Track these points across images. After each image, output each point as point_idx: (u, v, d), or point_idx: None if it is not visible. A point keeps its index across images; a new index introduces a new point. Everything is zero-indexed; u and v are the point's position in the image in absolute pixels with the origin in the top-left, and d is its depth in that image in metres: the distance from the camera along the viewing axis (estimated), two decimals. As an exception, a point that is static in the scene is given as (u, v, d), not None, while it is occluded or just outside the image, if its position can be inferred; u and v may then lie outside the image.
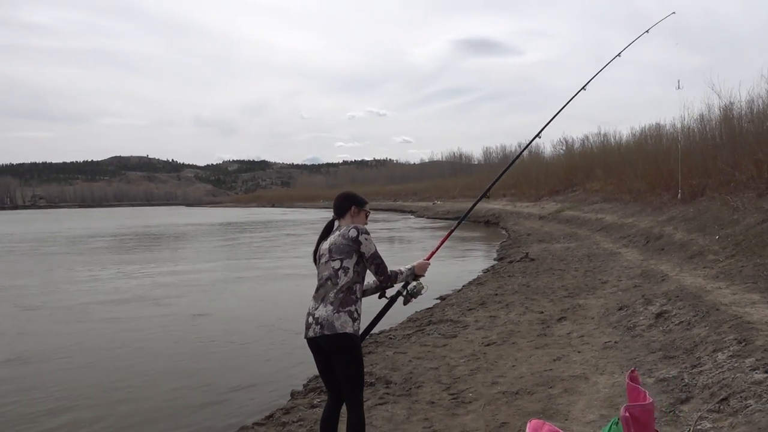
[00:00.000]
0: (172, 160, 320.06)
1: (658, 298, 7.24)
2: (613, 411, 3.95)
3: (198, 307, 10.60)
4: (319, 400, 5.23)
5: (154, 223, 50.65)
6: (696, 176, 15.34)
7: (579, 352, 5.90)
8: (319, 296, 3.31)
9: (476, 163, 79.62)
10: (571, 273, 11.02)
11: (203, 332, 8.84)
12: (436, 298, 10.11)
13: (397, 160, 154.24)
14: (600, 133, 41.41)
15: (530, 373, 5.36)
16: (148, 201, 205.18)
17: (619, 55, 6.28)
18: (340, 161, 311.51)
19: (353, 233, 3.30)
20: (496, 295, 9.68)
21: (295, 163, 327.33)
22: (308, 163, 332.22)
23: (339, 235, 3.34)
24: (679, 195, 14.68)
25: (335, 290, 3.25)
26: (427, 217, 42.62)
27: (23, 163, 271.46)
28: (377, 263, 3.35)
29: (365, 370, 4.37)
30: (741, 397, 3.70)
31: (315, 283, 3.38)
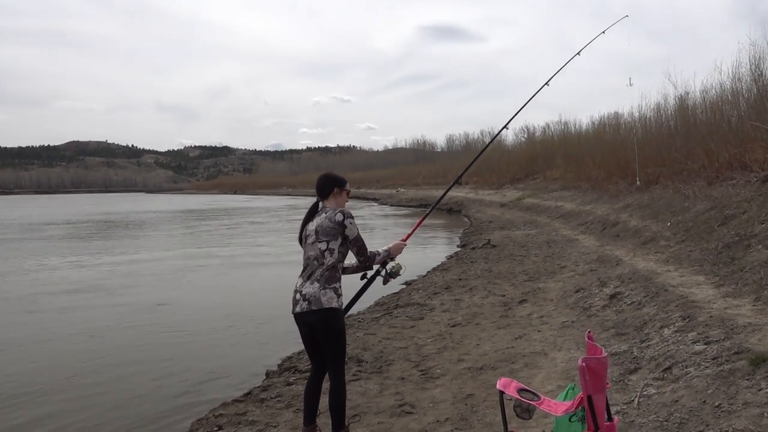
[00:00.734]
0: (132, 145, 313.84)
1: (612, 280, 7.68)
2: (570, 381, 4.30)
3: (160, 297, 10.34)
4: (294, 378, 5.47)
5: (112, 210, 49.57)
6: (651, 165, 15.87)
7: (539, 331, 6.27)
8: (306, 274, 3.55)
9: (439, 150, 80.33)
10: (531, 259, 11.44)
11: (168, 322, 8.60)
12: (402, 284, 10.33)
13: (360, 147, 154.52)
14: (561, 122, 42.26)
15: (493, 351, 5.71)
16: (107, 188, 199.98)
17: (578, 53, 6.68)
18: (304, 147, 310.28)
19: (339, 217, 3.54)
20: (460, 279, 10.03)
21: (258, 149, 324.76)
22: (271, 149, 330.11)
23: (326, 218, 3.58)
24: (638, 183, 15.23)
25: (321, 269, 3.50)
26: (391, 205, 42.79)
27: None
28: (359, 245, 3.62)
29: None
30: (682, 365, 4.09)
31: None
